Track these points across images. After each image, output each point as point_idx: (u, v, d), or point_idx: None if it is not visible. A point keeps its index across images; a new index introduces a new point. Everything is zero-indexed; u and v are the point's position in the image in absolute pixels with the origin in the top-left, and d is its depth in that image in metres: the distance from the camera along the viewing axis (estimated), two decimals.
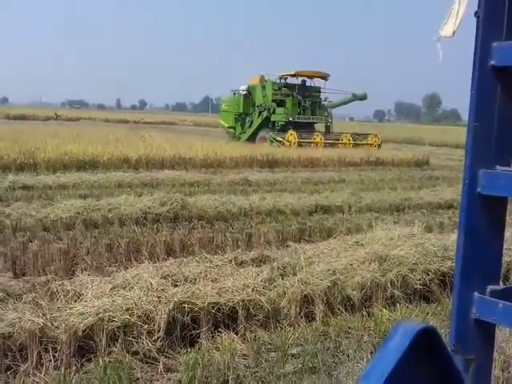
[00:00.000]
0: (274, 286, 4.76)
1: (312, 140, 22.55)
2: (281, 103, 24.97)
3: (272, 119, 24.80)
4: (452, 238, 6.04)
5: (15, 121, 42.34)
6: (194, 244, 6.53)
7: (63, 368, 3.63)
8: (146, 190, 10.35)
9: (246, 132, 26.15)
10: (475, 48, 1.25)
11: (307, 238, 7.13)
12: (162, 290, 4.39)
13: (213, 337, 4.22)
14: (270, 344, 4.23)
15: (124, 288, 4.45)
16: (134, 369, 3.75)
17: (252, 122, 25.94)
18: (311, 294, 4.74)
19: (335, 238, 6.60)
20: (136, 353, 3.90)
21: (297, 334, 4.34)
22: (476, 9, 1.25)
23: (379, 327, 4.53)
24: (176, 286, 4.56)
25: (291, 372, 3.82)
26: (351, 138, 23.42)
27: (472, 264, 1.30)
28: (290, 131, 22.39)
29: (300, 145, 21.61)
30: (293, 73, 25.09)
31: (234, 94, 27.51)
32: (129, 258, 6.03)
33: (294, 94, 25.22)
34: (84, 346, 3.85)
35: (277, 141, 22.41)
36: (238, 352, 4.02)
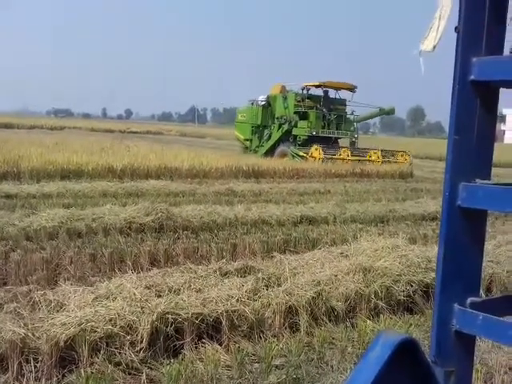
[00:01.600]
0: (259, 297, 4.75)
1: (338, 156, 20.66)
2: (304, 116, 22.89)
3: (293, 133, 22.84)
4: (435, 250, 6.06)
5: None
6: (179, 254, 6.50)
7: (44, 379, 3.60)
8: (130, 200, 10.29)
9: (263, 145, 24.20)
10: (455, 63, 1.27)
11: (292, 249, 7.14)
12: (146, 300, 4.36)
13: (196, 348, 4.20)
14: (253, 355, 4.22)
15: (107, 298, 4.41)
16: (117, 380, 3.72)
17: (270, 135, 23.99)
18: (295, 305, 4.74)
19: (320, 248, 6.61)
20: (118, 364, 3.87)
21: (281, 345, 4.33)
22: (456, 24, 1.27)
23: (363, 338, 4.54)
24: (160, 296, 4.54)
25: (275, 383, 3.81)
26: (380, 155, 21.30)
27: (452, 276, 1.31)
28: (315, 146, 20.61)
29: (324, 161, 19.84)
30: (317, 83, 23.09)
31: (252, 104, 25.55)
32: (112, 268, 5.99)
33: (318, 106, 23.14)
34: (66, 357, 3.80)
35: (299, 156, 20.79)
36: (222, 363, 4.00)
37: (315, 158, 20.20)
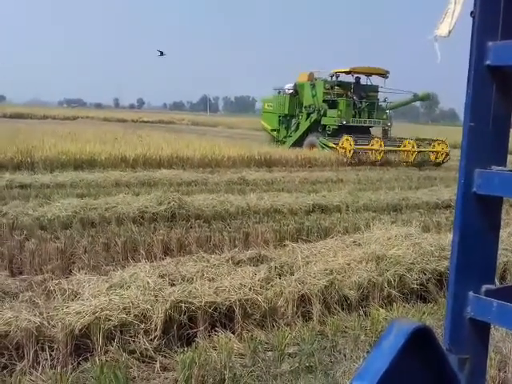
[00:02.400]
0: (271, 286, 4.76)
1: (370, 147, 18.91)
2: (333, 104, 21.30)
3: (322, 122, 21.30)
4: (449, 238, 6.05)
5: (12, 119, 42.21)
6: (192, 243, 6.52)
7: (59, 367, 3.64)
8: (143, 189, 10.35)
9: (291, 136, 22.88)
10: (471, 48, 1.25)
11: (304, 238, 7.13)
12: (159, 289, 4.39)
13: (209, 336, 4.23)
14: (266, 343, 4.23)
15: (121, 287, 4.45)
16: (131, 368, 3.75)
17: (298, 125, 22.64)
18: (308, 294, 4.75)
19: (332, 237, 6.60)
20: (133, 352, 3.90)
21: (294, 334, 4.34)
22: (472, 8, 1.25)
23: (376, 327, 4.54)
24: (173, 285, 4.56)
25: (288, 371, 3.82)
26: (415, 145, 19.40)
27: (467, 263, 1.30)
28: (346, 136, 18.80)
29: (355, 152, 18.35)
30: (347, 69, 21.34)
31: (279, 92, 24.22)
32: (126, 257, 6.03)
33: (349, 93, 21.53)
34: (80, 345, 3.85)
35: (329, 147, 19.20)
36: (235, 351, 4.02)
37: (345, 149, 18.56)
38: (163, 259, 5.64)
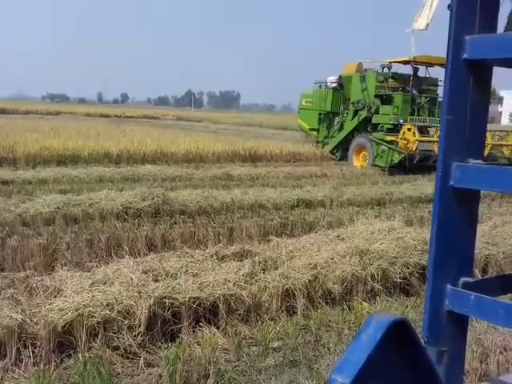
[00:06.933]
0: (256, 281, 4.76)
1: (436, 138, 15.39)
2: (387, 100, 17.76)
3: (373, 121, 17.60)
4: None
5: None
6: (176, 239, 6.50)
7: (42, 364, 3.61)
8: (127, 185, 10.27)
9: (334, 137, 19.28)
10: (448, 41, 1.25)
11: (289, 233, 7.14)
12: (143, 285, 4.37)
13: (194, 331, 4.22)
14: (251, 338, 4.24)
15: (104, 283, 4.42)
16: (115, 364, 3.74)
17: (343, 124, 19.00)
18: (292, 288, 4.76)
19: (316, 232, 6.62)
20: (116, 348, 3.88)
21: (278, 328, 4.35)
22: (449, 2, 1.25)
23: (359, 320, 4.56)
24: (157, 280, 4.55)
25: (272, 365, 3.84)
26: (489, 137, 16.36)
27: (445, 256, 1.31)
28: (408, 125, 15.58)
29: (416, 154, 15.26)
30: (406, 58, 17.23)
31: (320, 86, 20.47)
32: (109, 253, 5.99)
33: (407, 87, 17.92)
34: (64, 342, 3.82)
35: (386, 142, 15.95)
36: (219, 346, 4.02)
37: (408, 141, 15.36)
38: (147, 255, 5.61)
